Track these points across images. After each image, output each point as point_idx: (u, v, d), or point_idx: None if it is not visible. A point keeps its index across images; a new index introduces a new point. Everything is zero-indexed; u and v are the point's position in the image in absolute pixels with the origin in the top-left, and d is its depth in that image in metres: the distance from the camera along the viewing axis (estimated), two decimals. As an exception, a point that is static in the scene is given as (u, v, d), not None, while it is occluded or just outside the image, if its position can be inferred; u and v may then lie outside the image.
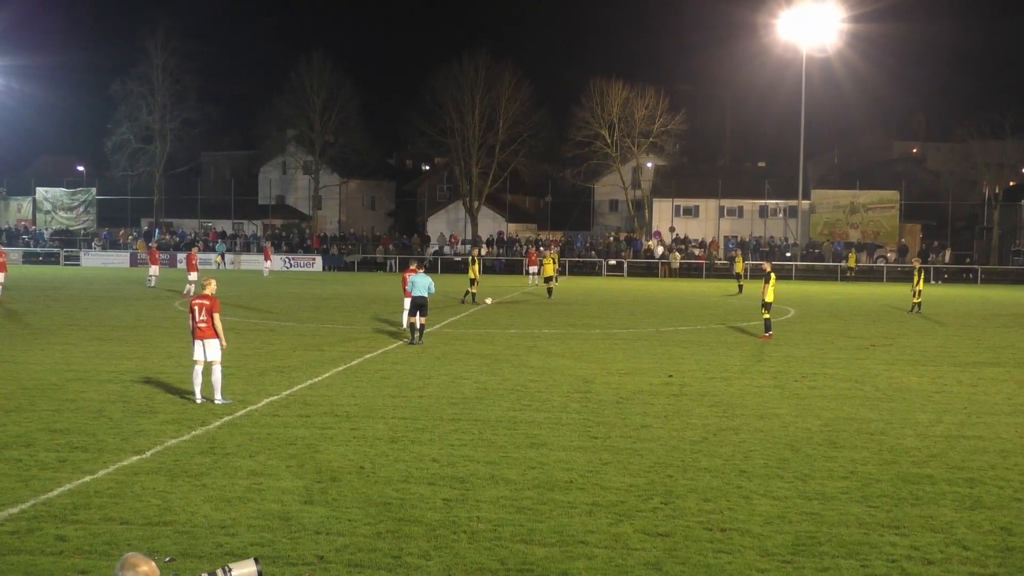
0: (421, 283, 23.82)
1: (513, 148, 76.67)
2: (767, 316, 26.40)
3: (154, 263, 45.15)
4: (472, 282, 36.85)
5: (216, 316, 15.41)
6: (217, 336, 15.37)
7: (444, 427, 13.85)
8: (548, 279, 42.27)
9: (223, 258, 67.23)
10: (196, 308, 15.46)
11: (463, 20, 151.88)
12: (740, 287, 46.14)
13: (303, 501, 10.13)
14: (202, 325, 15.34)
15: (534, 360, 21.04)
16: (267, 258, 59.92)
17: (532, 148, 77.86)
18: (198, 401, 15.31)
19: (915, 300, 35.32)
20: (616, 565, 8.43)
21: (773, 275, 26.79)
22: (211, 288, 15.75)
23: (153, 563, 4.62)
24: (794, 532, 9.37)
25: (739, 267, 48.59)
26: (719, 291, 47.65)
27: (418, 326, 23.62)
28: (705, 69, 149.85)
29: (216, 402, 15.32)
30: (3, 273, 33.85)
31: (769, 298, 26.19)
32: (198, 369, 15.48)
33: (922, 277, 35.66)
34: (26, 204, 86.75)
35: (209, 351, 15.38)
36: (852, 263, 63.77)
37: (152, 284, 43.24)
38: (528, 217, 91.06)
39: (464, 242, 77.91)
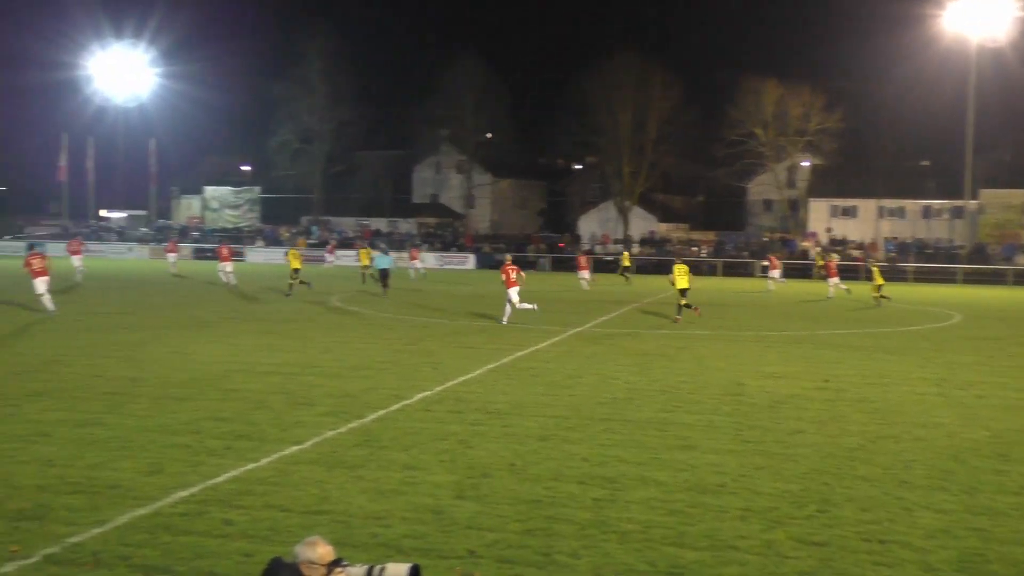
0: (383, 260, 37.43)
1: (664, 147, 75.94)
2: None
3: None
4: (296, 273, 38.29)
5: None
6: None
7: (594, 427, 13.83)
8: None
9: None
10: None
11: (612, 18, 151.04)
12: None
13: (455, 496, 10.28)
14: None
15: (684, 362, 20.78)
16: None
17: (683, 147, 76.98)
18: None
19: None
20: (769, 572, 8.24)
21: None
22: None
23: (331, 548, 4.91)
24: (959, 548, 8.95)
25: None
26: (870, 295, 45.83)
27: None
28: (864, 64, 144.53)
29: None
30: (45, 277, 27.59)
31: None
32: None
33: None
34: (195, 203, 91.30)
35: None
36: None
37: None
38: (679, 217, 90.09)
39: (616, 241, 77.61)
